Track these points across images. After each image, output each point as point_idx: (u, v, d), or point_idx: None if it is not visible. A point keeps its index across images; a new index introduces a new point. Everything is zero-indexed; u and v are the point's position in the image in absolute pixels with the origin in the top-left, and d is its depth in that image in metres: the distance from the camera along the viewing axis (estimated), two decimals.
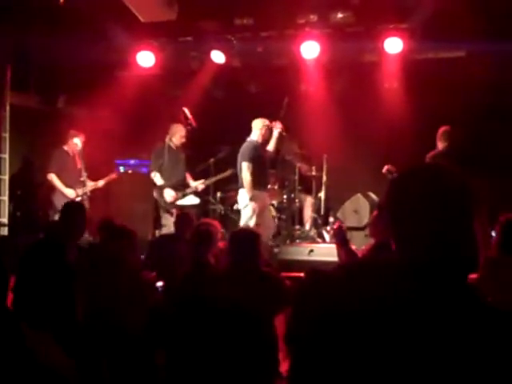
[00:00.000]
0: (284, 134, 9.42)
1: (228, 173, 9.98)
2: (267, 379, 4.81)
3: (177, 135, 9.89)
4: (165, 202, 9.77)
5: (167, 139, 9.85)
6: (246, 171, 9.02)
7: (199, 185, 9.91)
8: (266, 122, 9.36)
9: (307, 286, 2.04)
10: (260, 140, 9.32)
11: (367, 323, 1.81)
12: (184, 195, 9.69)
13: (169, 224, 9.37)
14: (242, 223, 9.03)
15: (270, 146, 9.41)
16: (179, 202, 9.76)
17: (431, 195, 1.87)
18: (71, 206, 6.63)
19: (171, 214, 9.62)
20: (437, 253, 1.84)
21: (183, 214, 7.70)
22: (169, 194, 9.75)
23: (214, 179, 10.07)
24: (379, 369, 1.77)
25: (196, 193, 9.94)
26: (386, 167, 8.94)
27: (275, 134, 9.36)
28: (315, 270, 2.04)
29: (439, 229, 1.86)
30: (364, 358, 1.79)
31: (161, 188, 9.80)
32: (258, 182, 9.10)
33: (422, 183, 1.90)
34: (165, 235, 8.68)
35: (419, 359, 1.76)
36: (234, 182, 10.43)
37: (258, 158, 9.15)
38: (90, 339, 5.27)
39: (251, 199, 9.00)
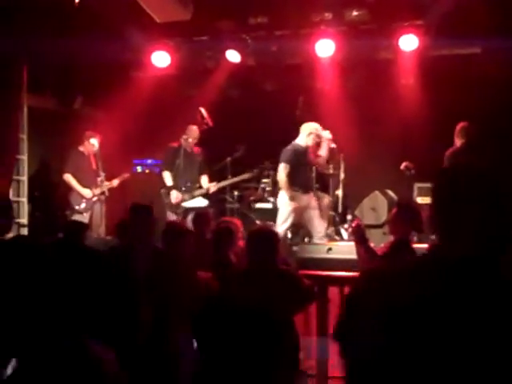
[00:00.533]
0: (333, 145, 9.38)
1: (243, 177, 10.01)
2: (288, 378, 4.82)
3: (192, 137, 9.93)
4: (170, 202, 9.84)
5: (183, 141, 9.89)
6: (281, 172, 9.06)
7: (211, 187, 9.91)
8: (315, 128, 9.30)
9: (365, 284, 2.07)
10: (304, 144, 9.28)
11: (428, 315, 1.85)
12: (192, 197, 9.68)
13: None
14: (277, 222, 9.11)
15: (323, 152, 9.36)
16: (185, 204, 9.80)
17: (478, 187, 1.94)
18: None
19: (177, 215, 9.76)
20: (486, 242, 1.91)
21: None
22: (174, 196, 9.82)
23: (227, 182, 10.05)
24: (441, 361, 1.81)
25: (207, 194, 9.93)
26: (403, 164, 8.95)
27: (324, 145, 9.33)
28: (370, 269, 2.08)
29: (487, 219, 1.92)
30: (426, 350, 1.83)
31: (169, 188, 9.87)
32: (297, 184, 9.11)
33: (468, 178, 1.97)
34: None
35: (484, 348, 1.80)
36: (252, 180, 10.47)
37: (298, 161, 9.11)
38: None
39: (290, 199, 9.04)
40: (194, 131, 9.95)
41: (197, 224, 7.18)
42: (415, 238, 7.24)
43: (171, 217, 9.71)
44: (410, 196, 9.51)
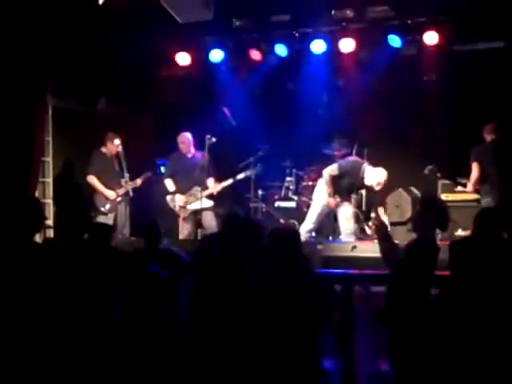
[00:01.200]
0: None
1: (245, 174, 10.00)
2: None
3: (180, 143, 10.02)
4: (175, 206, 9.93)
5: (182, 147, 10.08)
6: (329, 170, 9.29)
7: (213, 188, 9.92)
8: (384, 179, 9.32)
9: None
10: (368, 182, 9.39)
11: None
12: (196, 199, 9.70)
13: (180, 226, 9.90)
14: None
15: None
16: (190, 207, 9.83)
17: None
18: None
19: (183, 219, 9.90)
20: None
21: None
22: (179, 199, 9.91)
23: (229, 182, 10.03)
24: None
25: (212, 196, 9.95)
26: (427, 168, 8.93)
27: None
28: None
29: None
30: None
31: (173, 193, 9.95)
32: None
33: None
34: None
35: None
36: (276, 179, 10.46)
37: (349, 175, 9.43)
38: None
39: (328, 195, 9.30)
40: (179, 137, 10.07)
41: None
42: (439, 236, 7.18)
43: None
44: (433, 193, 9.46)
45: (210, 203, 9.85)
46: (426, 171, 9.04)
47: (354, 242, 8.67)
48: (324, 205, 9.33)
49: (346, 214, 9.36)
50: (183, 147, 10.04)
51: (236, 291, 5.23)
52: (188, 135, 10.03)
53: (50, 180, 10.45)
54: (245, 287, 5.03)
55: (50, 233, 10.20)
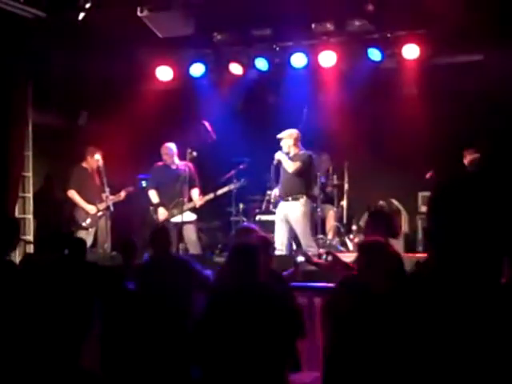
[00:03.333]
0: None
1: (228, 188, 9.99)
2: None
3: (164, 154, 10.00)
4: (157, 219, 9.90)
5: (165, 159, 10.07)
6: None
7: (197, 201, 9.91)
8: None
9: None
10: None
11: None
12: (180, 212, 9.67)
13: None
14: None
15: None
16: (174, 220, 9.81)
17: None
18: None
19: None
20: None
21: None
22: (161, 213, 9.88)
23: (212, 195, 10.02)
24: None
25: (195, 209, 9.93)
26: (429, 174, 8.97)
27: None
28: None
29: None
30: None
31: (156, 206, 9.92)
32: None
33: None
34: None
35: None
36: (257, 193, 10.46)
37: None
38: None
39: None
40: (163, 148, 10.07)
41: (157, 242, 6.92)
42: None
43: None
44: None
45: (192, 217, 9.84)
46: (427, 176, 9.06)
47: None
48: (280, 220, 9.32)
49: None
50: (167, 158, 10.03)
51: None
52: (171, 146, 10.03)
53: (30, 195, 10.38)
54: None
55: (30, 248, 10.13)
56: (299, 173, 9.17)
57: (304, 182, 9.27)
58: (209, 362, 4.72)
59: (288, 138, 9.31)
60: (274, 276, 5.57)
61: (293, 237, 9.36)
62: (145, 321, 6.19)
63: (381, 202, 9.53)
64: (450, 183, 2.15)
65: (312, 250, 8.98)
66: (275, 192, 9.56)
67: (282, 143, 9.34)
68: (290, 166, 9.16)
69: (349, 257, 7.94)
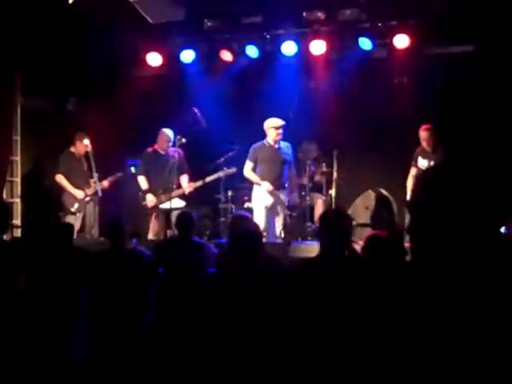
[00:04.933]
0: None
1: (217, 175, 10.00)
2: None
3: (161, 140, 9.99)
4: (146, 206, 9.90)
5: (156, 144, 10.06)
6: None
7: (186, 188, 9.91)
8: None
9: None
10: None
11: None
12: (169, 199, 9.66)
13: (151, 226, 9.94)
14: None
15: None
16: (162, 206, 9.82)
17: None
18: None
19: (155, 217, 9.93)
20: None
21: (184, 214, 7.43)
22: (149, 199, 9.87)
23: (201, 182, 10.02)
24: None
25: (184, 196, 9.93)
26: None
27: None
28: None
29: None
30: None
31: (144, 192, 9.91)
32: None
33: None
34: None
35: None
36: (246, 180, 10.46)
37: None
38: None
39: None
40: (162, 135, 10.03)
41: (181, 226, 7.07)
42: None
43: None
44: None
45: (181, 203, 9.83)
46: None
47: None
48: (264, 206, 9.41)
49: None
50: (163, 145, 10.00)
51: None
52: (170, 133, 9.99)
53: (18, 179, 10.37)
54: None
55: (18, 232, 10.11)
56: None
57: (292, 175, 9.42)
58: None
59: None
60: (270, 261, 5.62)
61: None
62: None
63: (382, 191, 9.56)
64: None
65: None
66: (256, 176, 9.53)
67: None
68: None
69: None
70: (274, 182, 9.38)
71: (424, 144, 9.31)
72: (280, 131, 9.36)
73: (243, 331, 4.61)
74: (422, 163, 9.28)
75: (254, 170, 9.50)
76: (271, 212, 9.46)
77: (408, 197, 9.10)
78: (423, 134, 9.31)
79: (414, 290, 1.98)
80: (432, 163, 9.04)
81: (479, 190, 1.99)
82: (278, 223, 9.48)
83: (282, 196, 9.45)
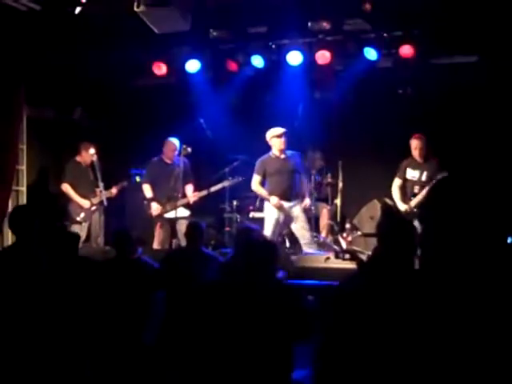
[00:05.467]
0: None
1: (222, 184, 10.02)
2: None
3: (167, 149, 10.00)
4: (151, 214, 9.91)
5: (162, 154, 10.09)
6: None
7: (191, 198, 9.92)
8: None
9: None
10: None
11: None
12: (174, 208, 9.68)
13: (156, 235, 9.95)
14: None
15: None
16: (167, 215, 9.83)
17: None
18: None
19: (160, 226, 9.94)
20: None
21: (194, 224, 7.37)
22: (154, 208, 9.89)
23: (206, 192, 10.03)
24: None
25: (189, 205, 9.94)
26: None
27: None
28: None
29: None
30: None
31: (149, 200, 9.92)
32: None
33: None
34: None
35: None
36: (250, 190, 10.47)
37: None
38: None
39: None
40: (169, 144, 10.06)
41: (190, 236, 7.08)
42: None
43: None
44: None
45: (186, 213, 9.85)
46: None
47: (327, 254, 8.67)
48: (275, 219, 9.34)
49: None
50: (169, 154, 10.03)
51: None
52: (176, 142, 10.02)
53: (23, 189, 10.38)
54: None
55: None
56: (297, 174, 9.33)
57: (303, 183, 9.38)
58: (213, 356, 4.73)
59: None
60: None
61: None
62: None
63: (388, 201, 9.57)
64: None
65: (312, 247, 9.07)
66: (264, 191, 9.48)
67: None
68: None
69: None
70: (285, 193, 9.30)
71: (415, 154, 9.17)
72: (283, 139, 9.30)
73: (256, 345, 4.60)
74: (413, 174, 9.11)
75: (262, 183, 9.42)
76: (283, 225, 9.41)
77: (398, 206, 9.09)
78: (415, 142, 9.18)
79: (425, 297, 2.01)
80: (425, 173, 8.98)
81: (483, 202, 2.03)
82: (302, 235, 9.36)
83: (296, 207, 9.33)
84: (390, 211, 8.65)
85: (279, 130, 9.33)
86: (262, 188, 9.41)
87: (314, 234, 9.84)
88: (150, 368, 6.03)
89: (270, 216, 9.33)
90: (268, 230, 9.16)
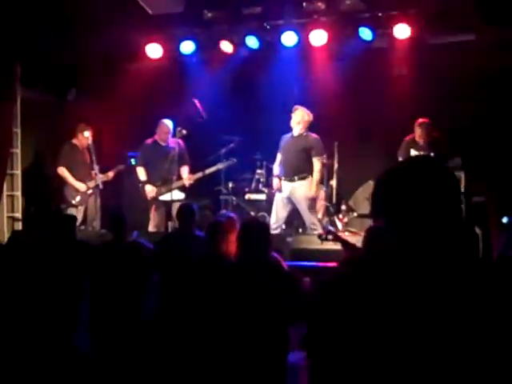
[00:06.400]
0: None
1: (217, 167, 9.98)
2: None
3: (161, 131, 9.96)
4: (146, 197, 9.90)
5: (156, 135, 10.03)
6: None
7: (186, 180, 9.88)
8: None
9: None
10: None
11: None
12: (169, 190, 9.65)
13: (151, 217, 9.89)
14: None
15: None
16: (162, 198, 9.80)
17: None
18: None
19: (155, 209, 9.90)
20: None
21: (185, 207, 7.38)
22: (149, 190, 9.86)
23: (201, 174, 9.99)
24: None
25: (184, 188, 9.91)
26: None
27: None
28: None
29: None
30: None
31: (144, 183, 9.90)
32: None
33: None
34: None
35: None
36: (247, 171, 10.45)
37: None
38: None
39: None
40: (162, 126, 10.01)
41: (181, 218, 7.05)
42: None
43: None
44: None
45: (181, 195, 9.82)
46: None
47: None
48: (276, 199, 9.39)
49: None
50: (163, 136, 9.98)
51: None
52: (169, 124, 9.97)
53: (18, 172, 10.34)
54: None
55: (19, 225, 10.11)
56: (306, 154, 9.24)
57: (309, 163, 9.28)
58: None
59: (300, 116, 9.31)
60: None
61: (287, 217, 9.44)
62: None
63: None
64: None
65: (316, 227, 9.04)
66: (276, 171, 9.46)
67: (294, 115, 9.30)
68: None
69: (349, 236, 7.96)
70: (287, 173, 9.32)
71: (420, 141, 9.14)
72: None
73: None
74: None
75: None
76: (289, 208, 9.40)
77: None
78: (419, 130, 9.15)
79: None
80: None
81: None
82: (306, 217, 9.34)
83: (296, 191, 9.31)
84: None
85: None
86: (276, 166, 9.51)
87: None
88: (148, 345, 6.05)
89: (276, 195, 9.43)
90: (273, 209, 9.30)
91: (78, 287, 6.28)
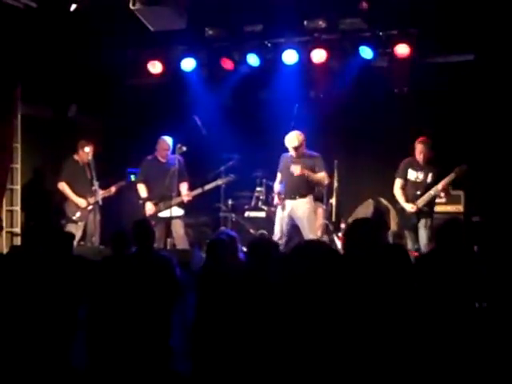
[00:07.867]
0: None
1: (216, 183, 9.95)
2: None
3: (160, 148, 9.95)
4: (145, 214, 9.86)
5: (156, 152, 10.01)
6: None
7: (185, 197, 9.86)
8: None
9: None
10: None
11: None
12: (168, 207, 9.62)
13: None
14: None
15: None
16: (161, 214, 9.78)
17: None
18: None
19: (153, 226, 9.67)
20: None
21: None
22: (148, 208, 9.84)
23: (200, 190, 9.98)
24: None
25: (183, 204, 9.88)
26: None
27: None
28: None
29: None
30: None
31: (144, 200, 9.89)
32: None
33: None
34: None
35: None
36: (246, 189, 10.45)
37: None
38: None
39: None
40: (162, 143, 9.98)
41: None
42: None
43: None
44: None
45: (180, 212, 9.80)
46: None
47: None
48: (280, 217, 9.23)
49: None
50: (163, 153, 9.95)
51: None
52: (169, 141, 9.93)
53: (18, 187, 10.34)
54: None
55: (18, 240, 10.08)
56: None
57: (310, 182, 9.20)
58: None
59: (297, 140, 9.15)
60: None
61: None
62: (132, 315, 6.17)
63: (382, 200, 9.54)
64: None
65: None
66: (276, 189, 9.35)
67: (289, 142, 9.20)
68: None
69: None
70: (289, 192, 9.17)
71: (419, 157, 9.03)
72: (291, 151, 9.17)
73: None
74: (416, 175, 8.96)
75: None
76: (290, 225, 9.26)
77: (402, 206, 9.02)
78: (420, 146, 9.05)
79: None
80: (430, 175, 8.86)
81: None
82: (306, 234, 9.12)
83: (298, 208, 9.16)
84: (380, 211, 8.68)
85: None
86: (278, 185, 9.28)
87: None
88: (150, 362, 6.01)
89: (277, 213, 9.31)
90: (276, 228, 9.18)
91: (74, 303, 6.26)
